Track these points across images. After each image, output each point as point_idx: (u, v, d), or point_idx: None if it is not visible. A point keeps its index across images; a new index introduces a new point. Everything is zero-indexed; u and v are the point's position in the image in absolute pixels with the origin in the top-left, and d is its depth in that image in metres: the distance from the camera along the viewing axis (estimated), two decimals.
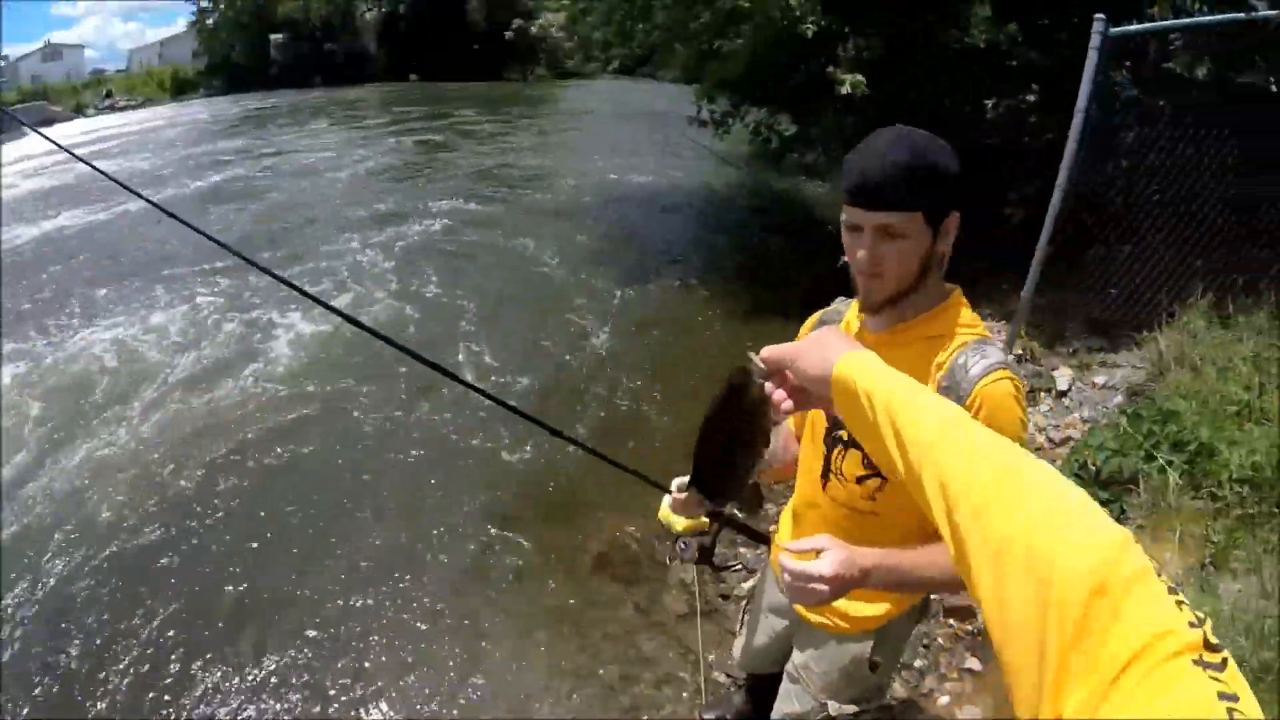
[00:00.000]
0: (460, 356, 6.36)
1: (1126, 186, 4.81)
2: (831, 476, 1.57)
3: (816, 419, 1.61)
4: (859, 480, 1.51)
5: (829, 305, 1.66)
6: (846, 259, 1.37)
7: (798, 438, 1.74)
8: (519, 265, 8.74)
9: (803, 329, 1.66)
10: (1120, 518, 3.19)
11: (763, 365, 1.03)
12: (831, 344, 0.96)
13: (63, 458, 4.97)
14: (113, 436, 5.22)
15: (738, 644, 2.25)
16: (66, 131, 25.23)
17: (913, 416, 0.76)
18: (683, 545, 1.90)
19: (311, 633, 3.52)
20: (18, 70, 48.45)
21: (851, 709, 1.75)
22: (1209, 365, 3.67)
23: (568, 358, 6.40)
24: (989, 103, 6.24)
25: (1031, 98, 6.08)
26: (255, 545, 4.12)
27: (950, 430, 0.72)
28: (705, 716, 2.69)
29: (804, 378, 0.98)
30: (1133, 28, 4.52)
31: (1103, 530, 0.57)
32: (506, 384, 5.90)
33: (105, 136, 23.18)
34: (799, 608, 1.74)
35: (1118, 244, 4.86)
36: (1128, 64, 4.71)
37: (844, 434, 1.53)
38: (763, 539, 1.96)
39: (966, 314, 1.42)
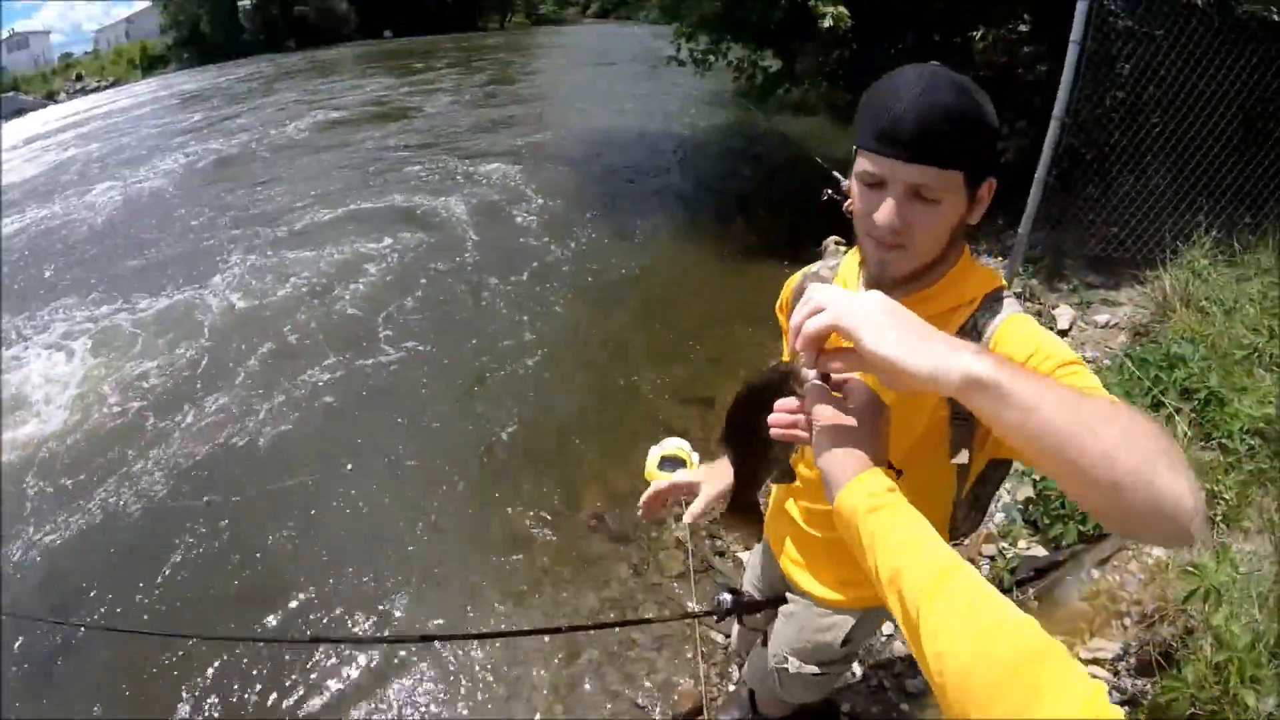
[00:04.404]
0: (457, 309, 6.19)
1: (1125, 120, 4.62)
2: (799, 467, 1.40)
3: None
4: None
5: (820, 246, 1.52)
6: (854, 216, 1.14)
7: None
8: (507, 224, 8.54)
9: (784, 289, 1.50)
10: None
11: (803, 377, 1.00)
12: (848, 456, 0.92)
13: None
14: None
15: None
16: (44, 119, 25.04)
17: (914, 565, 0.79)
18: (718, 600, 1.87)
19: (313, 598, 3.50)
20: None
21: (813, 669, 1.65)
22: (1215, 306, 3.52)
23: (559, 309, 6.33)
24: (978, 33, 6.02)
25: (1023, 28, 5.88)
26: (254, 516, 4.11)
27: (946, 580, 0.76)
28: (721, 718, 2.59)
29: (818, 458, 0.95)
30: None
31: (1079, 682, 0.64)
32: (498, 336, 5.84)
33: (79, 121, 22.24)
34: (795, 576, 1.63)
35: (1118, 179, 4.70)
36: None
37: None
38: (772, 604, 1.84)
39: (980, 273, 1.20)
